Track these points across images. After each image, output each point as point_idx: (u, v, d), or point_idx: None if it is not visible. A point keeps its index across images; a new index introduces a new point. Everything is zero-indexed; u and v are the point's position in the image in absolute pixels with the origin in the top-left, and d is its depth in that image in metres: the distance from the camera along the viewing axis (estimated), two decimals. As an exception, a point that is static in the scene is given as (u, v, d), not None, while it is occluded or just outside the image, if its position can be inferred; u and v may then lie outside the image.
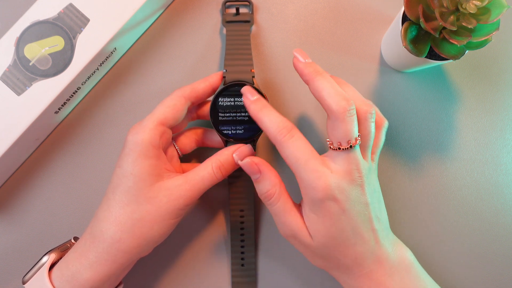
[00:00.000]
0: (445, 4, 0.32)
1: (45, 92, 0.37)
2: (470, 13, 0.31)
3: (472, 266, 0.40)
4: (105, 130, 0.41)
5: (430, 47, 0.34)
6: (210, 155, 0.35)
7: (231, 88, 0.35)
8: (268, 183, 0.33)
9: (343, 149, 0.31)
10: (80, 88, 0.40)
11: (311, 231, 0.32)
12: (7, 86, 0.37)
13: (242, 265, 0.40)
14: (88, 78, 0.39)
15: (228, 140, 0.36)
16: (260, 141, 0.41)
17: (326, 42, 0.42)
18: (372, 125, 0.32)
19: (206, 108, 0.38)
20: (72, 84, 0.38)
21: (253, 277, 0.40)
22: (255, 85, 0.35)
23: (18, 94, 0.37)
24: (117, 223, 0.31)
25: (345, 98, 0.31)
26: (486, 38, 0.32)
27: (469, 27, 0.31)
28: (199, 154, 0.41)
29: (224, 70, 0.36)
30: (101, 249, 0.31)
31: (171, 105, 0.34)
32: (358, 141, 0.31)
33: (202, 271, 0.40)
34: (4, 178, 0.40)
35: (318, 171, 0.30)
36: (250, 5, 0.42)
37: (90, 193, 0.41)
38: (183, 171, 0.37)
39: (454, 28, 0.32)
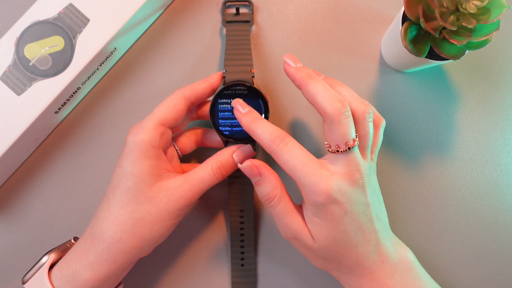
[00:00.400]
0: (445, 4, 0.32)
1: (45, 92, 0.37)
2: (470, 13, 0.31)
3: (472, 266, 0.40)
4: (105, 130, 0.41)
5: (430, 47, 0.34)
6: (210, 155, 0.35)
7: (231, 88, 0.35)
8: (268, 186, 0.33)
9: (341, 151, 0.31)
10: (80, 88, 0.40)
11: (314, 233, 0.32)
12: (7, 86, 0.37)
13: (242, 265, 0.40)
14: (88, 78, 0.39)
15: (228, 140, 0.36)
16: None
17: (326, 42, 0.42)
18: (370, 125, 0.32)
19: (206, 108, 0.38)
20: (72, 84, 0.38)
21: (253, 277, 0.40)
22: (255, 85, 0.35)
23: (18, 94, 0.37)
24: (117, 223, 0.31)
25: (340, 100, 0.30)
26: (486, 38, 0.32)
27: (469, 27, 0.31)
28: (199, 154, 0.41)
29: (224, 70, 0.36)
30: (101, 249, 0.31)
31: (171, 105, 0.34)
32: (356, 142, 0.31)
33: (202, 271, 0.40)
34: (4, 178, 0.40)
35: (317, 175, 0.30)
36: (250, 5, 0.42)
37: (90, 193, 0.41)
38: (183, 172, 0.37)
39: (454, 28, 0.32)
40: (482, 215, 0.41)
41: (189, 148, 0.38)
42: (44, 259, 0.33)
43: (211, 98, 0.36)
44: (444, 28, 0.32)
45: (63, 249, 0.35)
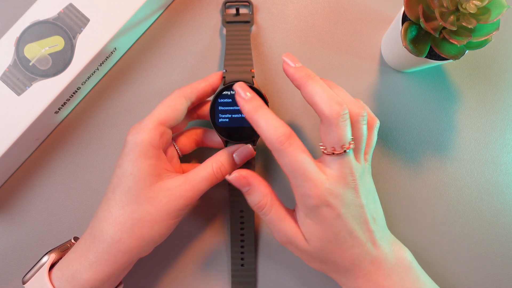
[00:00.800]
0: (445, 4, 0.32)
1: (45, 92, 0.37)
2: (470, 13, 0.31)
3: (472, 266, 0.40)
4: (105, 130, 0.41)
5: (430, 47, 0.34)
6: (210, 155, 0.35)
7: (231, 88, 0.35)
8: (258, 195, 0.32)
9: (336, 154, 0.30)
10: (80, 88, 0.40)
11: (307, 236, 0.32)
12: (7, 86, 0.37)
13: (242, 265, 0.40)
14: (88, 78, 0.39)
15: (228, 140, 0.36)
16: (260, 141, 0.41)
17: (326, 42, 0.42)
18: (364, 128, 0.32)
19: (206, 108, 0.38)
20: (72, 84, 0.38)
21: (252, 277, 0.40)
22: (255, 85, 0.35)
23: (18, 94, 0.37)
24: (117, 223, 0.31)
25: (338, 103, 0.30)
26: (486, 38, 0.32)
27: (469, 27, 0.31)
28: (199, 154, 0.41)
29: (224, 70, 0.36)
30: (101, 249, 0.31)
31: (171, 105, 0.34)
32: (352, 145, 0.31)
33: (202, 271, 0.40)
34: (4, 178, 0.40)
35: (314, 180, 0.30)
36: (250, 6, 0.42)
37: (90, 193, 0.41)
38: (183, 171, 0.37)
39: (454, 28, 0.32)
40: (482, 215, 0.41)
41: (189, 148, 0.38)
42: (44, 259, 0.33)
43: (211, 98, 0.36)
44: (444, 28, 0.32)
45: (63, 249, 0.35)
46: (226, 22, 0.40)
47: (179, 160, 0.38)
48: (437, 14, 0.31)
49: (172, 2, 0.42)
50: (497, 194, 0.41)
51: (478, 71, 0.42)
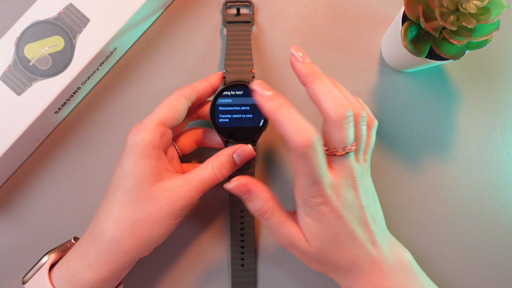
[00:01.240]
0: (445, 4, 0.32)
1: (45, 92, 0.37)
2: (470, 13, 0.31)
3: (472, 266, 0.40)
4: (105, 130, 0.41)
5: (430, 47, 0.34)
6: (210, 155, 0.35)
7: (231, 88, 0.35)
8: (259, 201, 0.32)
9: (338, 155, 0.31)
10: (80, 88, 0.40)
11: (307, 235, 0.32)
12: (7, 86, 0.37)
13: (242, 265, 0.40)
14: (88, 78, 0.39)
15: (228, 141, 0.36)
16: (260, 140, 0.41)
17: (326, 42, 0.42)
18: (364, 128, 0.32)
19: (206, 108, 0.38)
20: (72, 84, 0.38)
21: (252, 277, 0.40)
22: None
23: (18, 94, 0.37)
24: (117, 223, 0.31)
25: (343, 105, 0.30)
26: (486, 38, 0.32)
27: (469, 27, 0.31)
28: (199, 154, 0.41)
29: (225, 71, 0.36)
30: (101, 250, 0.31)
31: (172, 105, 0.34)
32: (353, 147, 0.31)
33: (202, 271, 0.40)
34: (4, 178, 0.40)
35: (319, 184, 0.30)
36: (250, 6, 0.42)
37: (90, 193, 0.41)
38: (184, 172, 0.37)
39: (454, 28, 0.32)
40: (482, 215, 0.41)
41: (189, 148, 0.38)
42: (44, 259, 0.33)
43: (211, 98, 0.36)
44: (444, 28, 0.32)
45: (63, 249, 0.35)
46: (227, 22, 0.40)
47: (179, 160, 0.38)
48: (437, 14, 0.31)
49: (172, 2, 0.42)
50: (497, 194, 0.41)
51: (478, 71, 0.42)
